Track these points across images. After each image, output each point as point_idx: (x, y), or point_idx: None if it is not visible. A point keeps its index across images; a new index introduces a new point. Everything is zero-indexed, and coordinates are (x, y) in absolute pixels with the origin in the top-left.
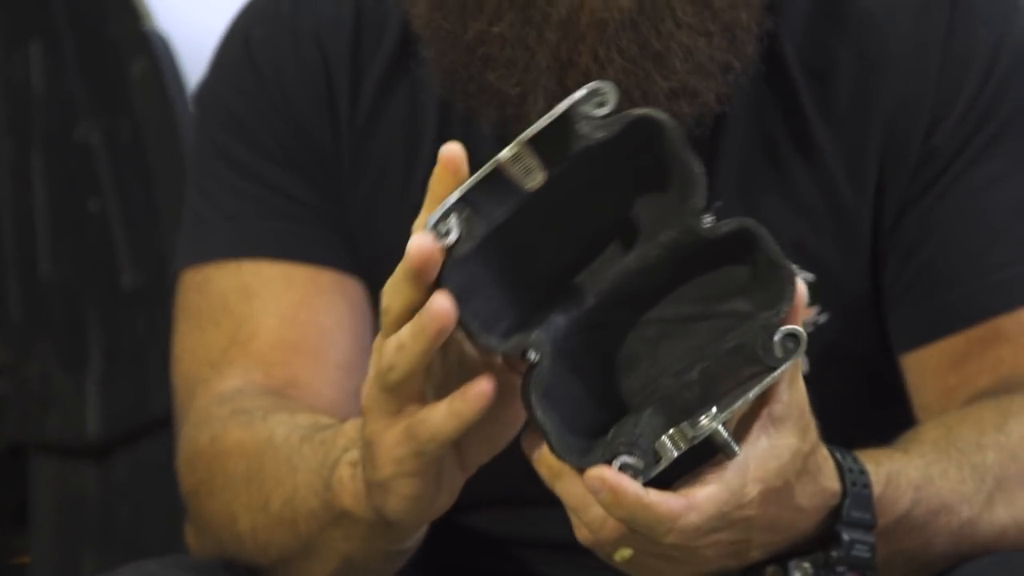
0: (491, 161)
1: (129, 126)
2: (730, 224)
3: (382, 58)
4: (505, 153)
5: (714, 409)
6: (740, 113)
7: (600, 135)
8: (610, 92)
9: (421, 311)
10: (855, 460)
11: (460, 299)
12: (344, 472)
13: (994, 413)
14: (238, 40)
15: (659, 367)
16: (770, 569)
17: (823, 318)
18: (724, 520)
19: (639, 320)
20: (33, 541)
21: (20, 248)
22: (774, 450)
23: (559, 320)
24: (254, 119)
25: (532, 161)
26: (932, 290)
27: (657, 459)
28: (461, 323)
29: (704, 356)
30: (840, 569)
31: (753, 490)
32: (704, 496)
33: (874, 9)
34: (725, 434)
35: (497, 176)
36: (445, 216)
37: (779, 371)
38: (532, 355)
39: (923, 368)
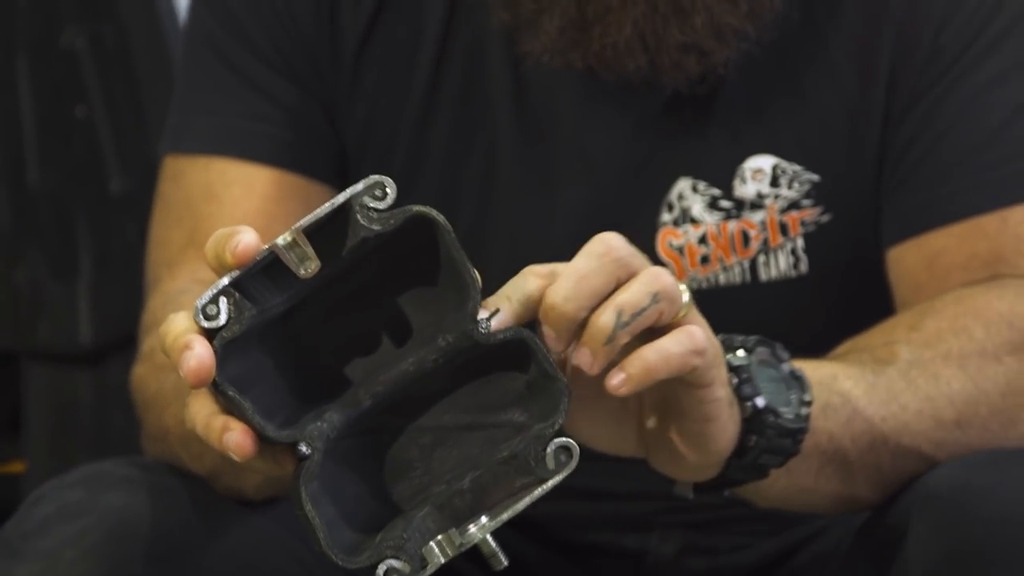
0: (266, 246)
1: (114, 31)
2: (506, 334)
3: None
4: (280, 240)
5: (484, 519)
6: None
7: (377, 228)
8: (390, 186)
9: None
10: None
11: (239, 385)
12: None
13: (911, 315)
14: None
15: (431, 475)
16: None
17: (826, 219)
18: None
19: (414, 426)
20: (27, 448)
21: (7, 156)
22: None
23: (334, 418)
24: (249, 15)
25: (307, 250)
26: (921, 185)
27: (424, 564)
28: (237, 406)
29: (477, 465)
30: (751, 343)
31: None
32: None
33: None
34: (493, 544)
35: (274, 263)
36: (214, 300)
37: (550, 483)
38: (303, 448)
39: (900, 264)
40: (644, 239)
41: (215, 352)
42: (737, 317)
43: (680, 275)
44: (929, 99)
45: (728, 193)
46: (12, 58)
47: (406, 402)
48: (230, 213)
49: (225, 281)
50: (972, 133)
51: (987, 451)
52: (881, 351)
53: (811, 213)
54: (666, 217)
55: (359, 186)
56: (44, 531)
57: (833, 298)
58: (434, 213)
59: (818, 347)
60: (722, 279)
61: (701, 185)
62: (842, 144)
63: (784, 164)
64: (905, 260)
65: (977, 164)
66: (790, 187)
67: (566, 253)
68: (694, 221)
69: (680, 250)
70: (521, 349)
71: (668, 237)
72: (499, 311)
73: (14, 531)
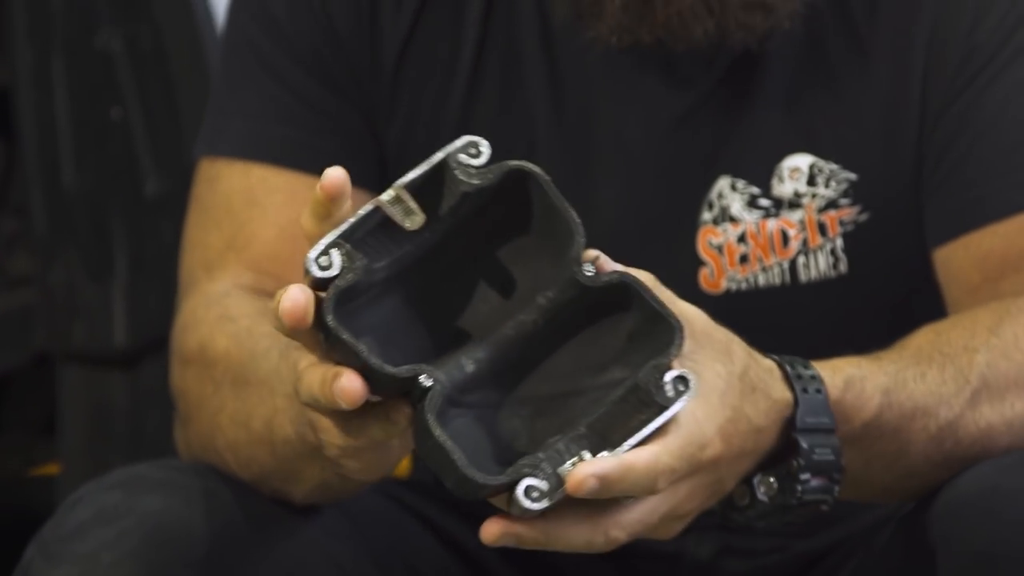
0: (371, 201)
1: (150, 32)
2: (611, 276)
3: None
4: (385, 196)
5: (615, 449)
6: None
7: (476, 182)
8: (483, 145)
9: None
10: (806, 366)
11: (354, 332)
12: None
13: (991, 314)
14: None
15: (535, 443)
16: (737, 490)
17: (864, 218)
18: (693, 463)
19: (512, 398)
20: (62, 450)
21: (43, 158)
22: (707, 385)
23: (442, 377)
24: (290, 21)
25: (411, 204)
26: (964, 184)
27: (561, 483)
28: (351, 349)
29: (588, 413)
30: (804, 476)
31: (710, 429)
32: (665, 442)
33: None
34: None
35: (379, 217)
36: (325, 251)
37: (671, 411)
38: (425, 380)
39: (950, 265)
40: (685, 237)
41: (330, 299)
42: (777, 320)
43: (719, 274)
44: (966, 98)
45: (766, 192)
46: (48, 59)
47: (507, 372)
48: (273, 219)
49: (335, 234)
50: (1011, 131)
51: (1017, 452)
52: (961, 358)
53: (849, 212)
54: (707, 216)
55: (455, 144)
56: (82, 534)
57: (874, 299)
58: (530, 166)
59: (859, 350)
60: (761, 280)
61: (740, 183)
62: (879, 143)
63: (821, 163)
64: (953, 261)
65: (1017, 161)
66: (827, 186)
67: (605, 249)
68: (733, 220)
69: (719, 249)
70: (621, 299)
71: (708, 236)
72: (600, 255)
73: (52, 534)
